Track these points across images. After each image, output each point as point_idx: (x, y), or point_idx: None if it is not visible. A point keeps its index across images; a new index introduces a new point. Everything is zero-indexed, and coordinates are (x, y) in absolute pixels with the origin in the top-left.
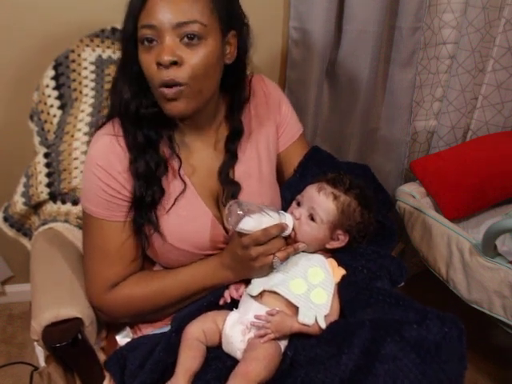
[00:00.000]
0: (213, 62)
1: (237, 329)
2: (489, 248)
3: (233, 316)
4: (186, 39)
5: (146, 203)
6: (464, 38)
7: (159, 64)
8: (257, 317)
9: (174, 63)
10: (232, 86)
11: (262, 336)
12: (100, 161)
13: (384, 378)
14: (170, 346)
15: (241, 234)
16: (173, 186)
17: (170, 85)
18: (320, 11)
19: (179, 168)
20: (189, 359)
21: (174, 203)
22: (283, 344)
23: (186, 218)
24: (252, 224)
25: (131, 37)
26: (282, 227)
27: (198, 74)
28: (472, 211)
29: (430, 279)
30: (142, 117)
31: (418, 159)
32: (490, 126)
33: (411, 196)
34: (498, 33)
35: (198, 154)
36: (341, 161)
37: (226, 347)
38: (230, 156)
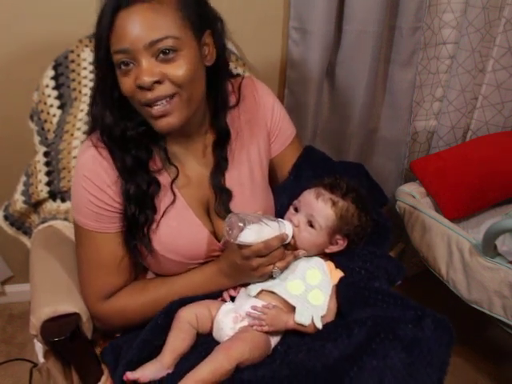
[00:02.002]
0: (194, 69)
1: (229, 316)
2: (489, 248)
3: (228, 305)
4: (161, 55)
5: (138, 224)
6: (464, 38)
7: (141, 87)
8: (253, 307)
9: (157, 82)
10: (215, 87)
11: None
12: (87, 172)
13: (370, 372)
14: (158, 326)
15: (241, 246)
16: (163, 199)
17: (153, 103)
18: (320, 11)
19: (172, 180)
20: (177, 340)
21: (162, 215)
22: (274, 340)
23: (177, 228)
24: (253, 236)
25: (106, 62)
26: (282, 238)
27: (183, 83)
28: (472, 211)
29: (430, 279)
30: (130, 139)
31: (418, 159)
32: (490, 126)
33: (411, 196)
34: (498, 33)
35: (189, 164)
36: (335, 160)
37: (216, 334)
38: (220, 161)
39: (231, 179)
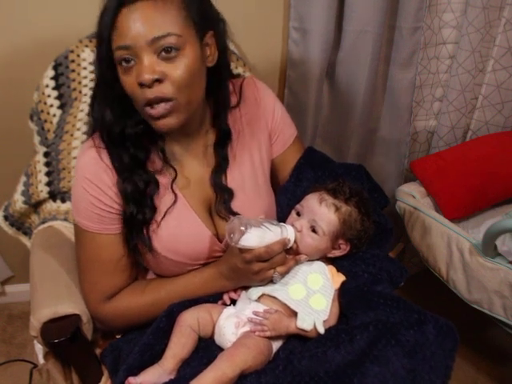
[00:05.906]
0: (195, 70)
1: (231, 321)
2: (489, 248)
3: (229, 310)
4: (163, 53)
5: (137, 223)
6: (464, 38)
7: (141, 84)
8: (255, 312)
9: (157, 80)
10: (216, 87)
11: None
12: (88, 174)
13: (373, 379)
14: (160, 330)
15: (242, 250)
16: (164, 200)
17: (154, 103)
18: (320, 11)
19: (172, 181)
20: (179, 345)
21: (163, 216)
22: (276, 345)
23: (178, 229)
24: (255, 241)
25: (107, 59)
26: (284, 243)
27: (183, 86)
28: (472, 211)
29: (430, 279)
30: (128, 137)
31: (418, 159)
32: (490, 126)
33: (411, 196)
34: (497, 33)
35: (189, 164)
36: (336, 162)
37: (217, 339)
38: (222, 160)
39: (233, 179)
